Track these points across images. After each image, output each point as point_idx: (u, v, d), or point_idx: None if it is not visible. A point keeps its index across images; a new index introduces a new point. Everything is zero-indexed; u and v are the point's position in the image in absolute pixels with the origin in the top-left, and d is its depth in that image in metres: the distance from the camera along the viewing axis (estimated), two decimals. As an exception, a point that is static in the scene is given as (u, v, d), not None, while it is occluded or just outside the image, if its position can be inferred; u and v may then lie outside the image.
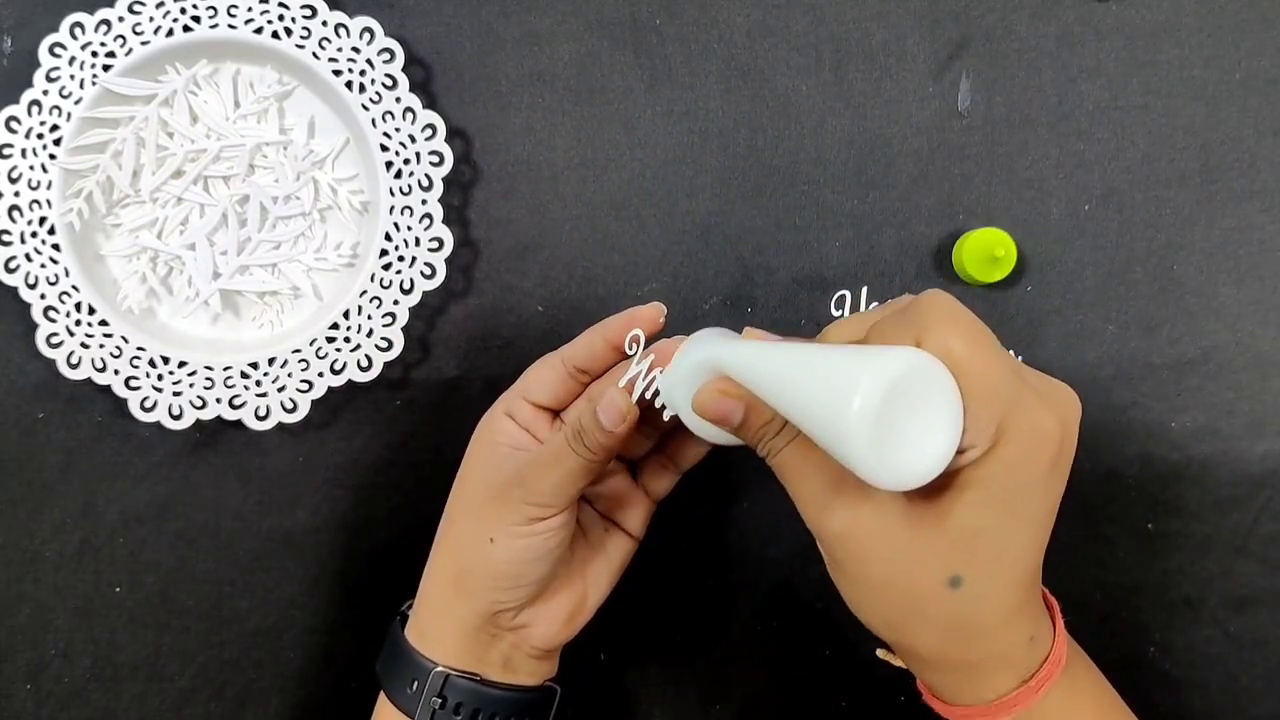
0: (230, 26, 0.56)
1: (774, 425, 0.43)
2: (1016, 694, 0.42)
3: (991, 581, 0.41)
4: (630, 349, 0.47)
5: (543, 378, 0.51)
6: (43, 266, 0.56)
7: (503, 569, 0.48)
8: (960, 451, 0.39)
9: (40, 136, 0.55)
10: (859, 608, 0.43)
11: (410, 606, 0.53)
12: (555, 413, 0.52)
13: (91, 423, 0.58)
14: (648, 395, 0.46)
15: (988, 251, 0.56)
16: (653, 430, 0.52)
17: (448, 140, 0.57)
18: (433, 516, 0.59)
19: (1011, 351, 0.41)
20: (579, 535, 0.52)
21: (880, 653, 0.48)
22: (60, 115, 0.55)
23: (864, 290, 0.59)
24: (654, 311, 0.48)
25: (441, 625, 0.50)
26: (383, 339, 0.57)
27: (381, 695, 0.51)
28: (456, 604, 0.49)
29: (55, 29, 0.55)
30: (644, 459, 0.54)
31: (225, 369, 0.56)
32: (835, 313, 0.59)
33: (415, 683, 0.49)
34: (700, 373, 0.45)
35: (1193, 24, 0.59)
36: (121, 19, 0.55)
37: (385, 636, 0.52)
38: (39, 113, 0.55)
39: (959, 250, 0.58)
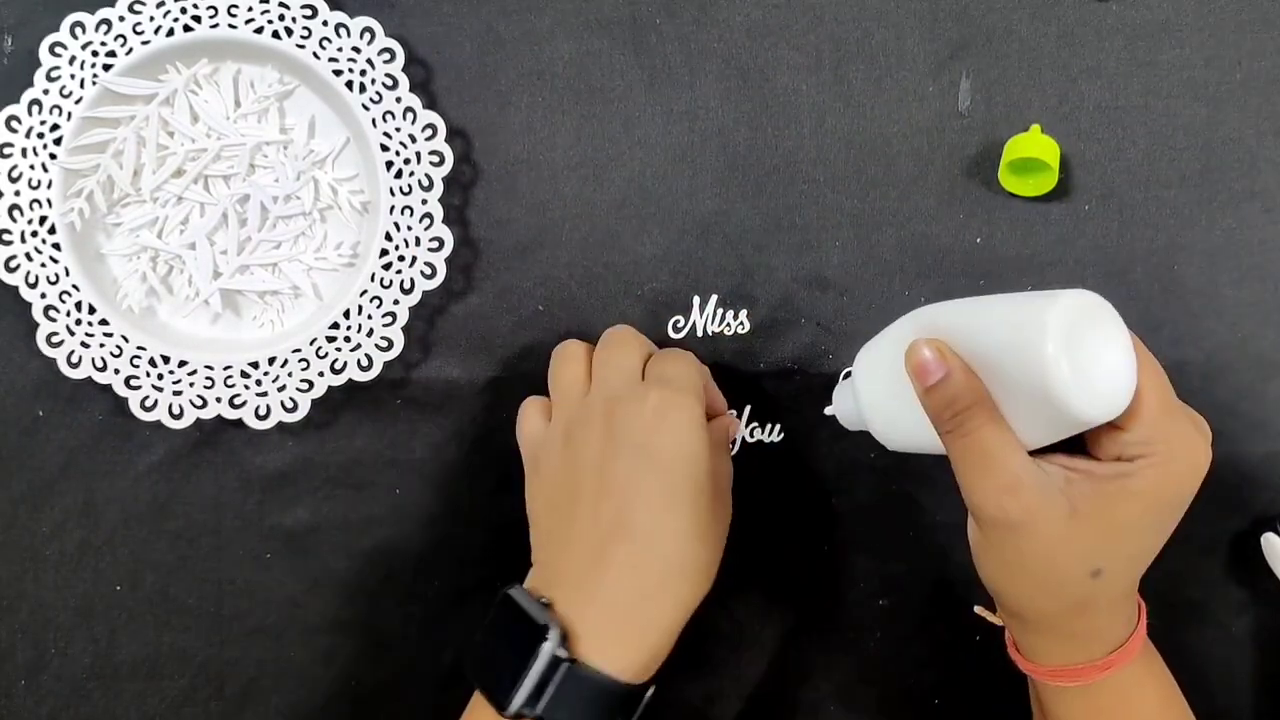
0: (231, 26, 0.56)
1: (972, 396, 0.44)
2: (1109, 658, 0.47)
3: (1125, 574, 0.46)
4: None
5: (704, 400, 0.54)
6: (43, 266, 0.56)
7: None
8: (1129, 459, 0.43)
9: (41, 136, 0.55)
10: (994, 580, 0.47)
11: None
12: None
13: (91, 422, 0.58)
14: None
15: (1032, 152, 0.56)
16: None
17: (448, 140, 0.57)
18: (433, 515, 0.59)
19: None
20: None
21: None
22: (61, 114, 0.55)
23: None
24: None
25: (656, 641, 0.49)
26: (383, 339, 0.57)
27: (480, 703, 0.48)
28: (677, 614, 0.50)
29: (56, 28, 0.55)
30: None
31: (225, 368, 0.56)
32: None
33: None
34: (899, 347, 0.47)
35: (1193, 24, 0.59)
36: (122, 18, 0.56)
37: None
38: (39, 112, 0.56)
39: (1005, 154, 0.58)
